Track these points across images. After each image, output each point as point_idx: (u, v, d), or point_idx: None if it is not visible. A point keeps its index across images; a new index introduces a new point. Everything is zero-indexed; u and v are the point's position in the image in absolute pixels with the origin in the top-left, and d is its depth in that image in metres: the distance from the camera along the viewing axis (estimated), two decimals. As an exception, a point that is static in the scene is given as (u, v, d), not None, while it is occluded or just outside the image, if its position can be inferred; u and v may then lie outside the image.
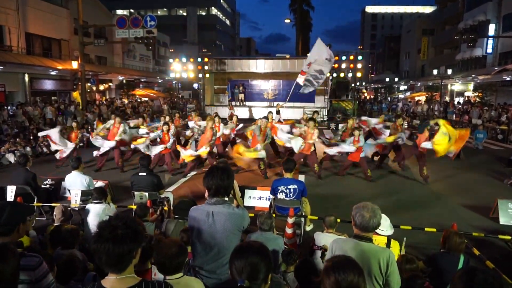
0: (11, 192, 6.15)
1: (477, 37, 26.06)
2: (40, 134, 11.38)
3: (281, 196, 5.48)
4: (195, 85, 31.12)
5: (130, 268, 1.77)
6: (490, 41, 29.70)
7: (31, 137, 13.06)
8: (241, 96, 24.19)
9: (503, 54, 28.55)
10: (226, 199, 2.66)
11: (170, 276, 2.32)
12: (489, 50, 30.02)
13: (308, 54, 14.30)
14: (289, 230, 5.00)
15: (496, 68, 24.80)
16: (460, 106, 24.56)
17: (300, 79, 13.98)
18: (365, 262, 2.34)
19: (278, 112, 20.50)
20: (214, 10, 61.51)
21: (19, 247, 2.70)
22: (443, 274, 3.36)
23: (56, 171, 9.71)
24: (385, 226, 3.65)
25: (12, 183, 6.23)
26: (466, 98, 29.53)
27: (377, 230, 2.99)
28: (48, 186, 7.28)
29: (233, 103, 23.26)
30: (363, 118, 11.72)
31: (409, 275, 3.10)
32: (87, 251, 3.56)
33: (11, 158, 11.09)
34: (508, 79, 24.19)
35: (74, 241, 3.45)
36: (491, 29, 29.43)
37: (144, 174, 6.03)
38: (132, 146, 10.35)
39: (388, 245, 3.67)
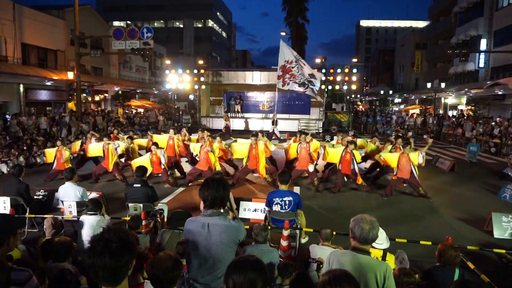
0: (3, 203, 6.07)
1: (469, 52, 26.63)
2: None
3: (276, 208, 5.45)
4: (191, 97, 31.19)
5: (125, 281, 1.74)
6: (482, 55, 30.18)
7: (24, 148, 12.96)
8: (238, 107, 24.28)
9: (495, 69, 29.00)
10: (222, 211, 2.64)
11: (164, 291, 2.27)
12: (481, 65, 30.49)
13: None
14: (284, 243, 4.96)
15: (489, 82, 25.15)
16: (453, 119, 24.77)
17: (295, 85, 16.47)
18: (362, 275, 2.33)
19: (273, 123, 20.60)
20: (210, 23, 62.10)
21: (9, 260, 2.65)
22: (438, 287, 3.34)
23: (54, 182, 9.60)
24: (381, 239, 3.64)
25: (4, 194, 6.16)
26: (460, 112, 29.84)
27: (373, 244, 2.98)
28: (41, 197, 7.19)
29: (229, 114, 23.34)
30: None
31: (404, 287, 3.08)
32: (80, 264, 3.49)
33: (3, 168, 10.98)
34: (500, 93, 24.52)
35: (66, 254, 3.37)
36: (483, 44, 29.95)
37: (139, 185, 5.98)
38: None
39: (384, 258, 3.65)
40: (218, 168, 9.34)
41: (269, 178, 9.33)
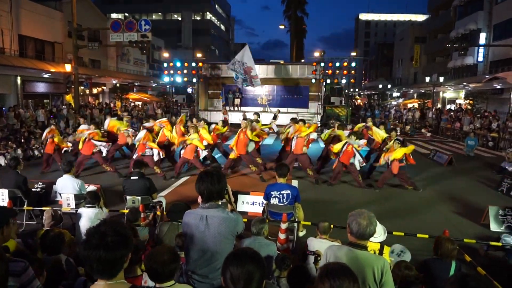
0: (1, 196, 6.06)
1: (468, 46, 26.49)
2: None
3: (274, 201, 5.46)
4: (189, 90, 31.04)
5: (121, 274, 1.74)
6: (481, 49, 30.09)
7: (22, 140, 12.92)
8: (237, 101, 24.19)
9: (494, 63, 28.95)
10: (220, 203, 2.64)
11: (161, 284, 2.27)
12: (480, 59, 30.42)
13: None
14: (282, 236, 4.99)
15: (487, 76, 25.13)
16: (452, 114, 24.80)
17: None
18: (360, 270, 2.32)
19: (274, 118, 20.55)
20: (209, 15, 61.64)
21: (5, 251, 2.66)
22: (435, 280, 3.37)
23: (50, 175, 9.58)
24: (378, 232, 3.65)
25: (3, 186, 6.15)
26: (458, 106, 29.85)
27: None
28: (39, 189, 7.19)
29: (227, 108, 23.26)
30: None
31: (402, 279, 3.09)
32: (78, 256, 3.48)
33: (1, 161, 10.96)
34: (498, 87, 24.51)
35: (60, 246, 3.36)
36: (482, 38, 29.85)
37: (136, 177, 5.97)
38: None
39: (381, 251, 3.67)
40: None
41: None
